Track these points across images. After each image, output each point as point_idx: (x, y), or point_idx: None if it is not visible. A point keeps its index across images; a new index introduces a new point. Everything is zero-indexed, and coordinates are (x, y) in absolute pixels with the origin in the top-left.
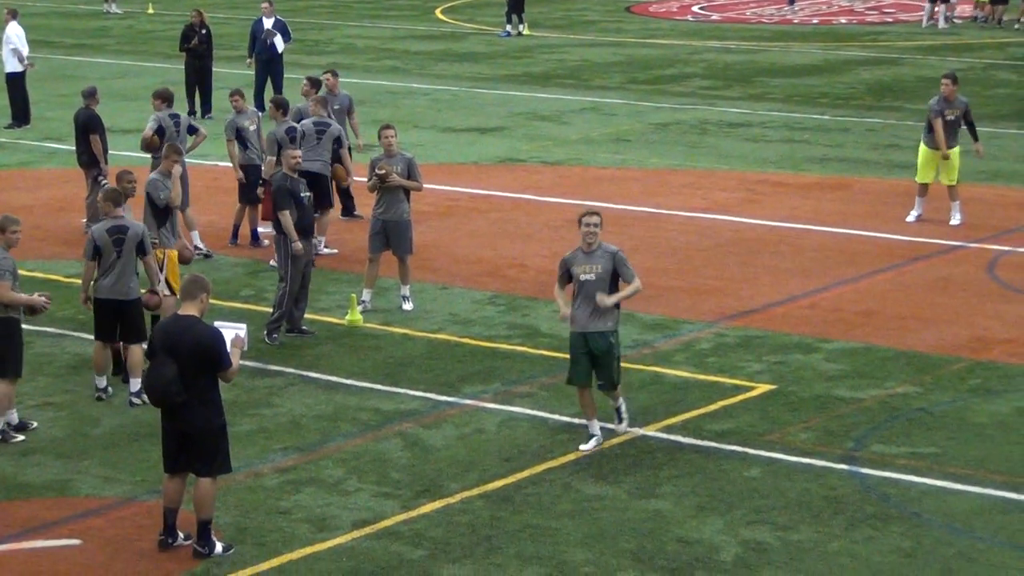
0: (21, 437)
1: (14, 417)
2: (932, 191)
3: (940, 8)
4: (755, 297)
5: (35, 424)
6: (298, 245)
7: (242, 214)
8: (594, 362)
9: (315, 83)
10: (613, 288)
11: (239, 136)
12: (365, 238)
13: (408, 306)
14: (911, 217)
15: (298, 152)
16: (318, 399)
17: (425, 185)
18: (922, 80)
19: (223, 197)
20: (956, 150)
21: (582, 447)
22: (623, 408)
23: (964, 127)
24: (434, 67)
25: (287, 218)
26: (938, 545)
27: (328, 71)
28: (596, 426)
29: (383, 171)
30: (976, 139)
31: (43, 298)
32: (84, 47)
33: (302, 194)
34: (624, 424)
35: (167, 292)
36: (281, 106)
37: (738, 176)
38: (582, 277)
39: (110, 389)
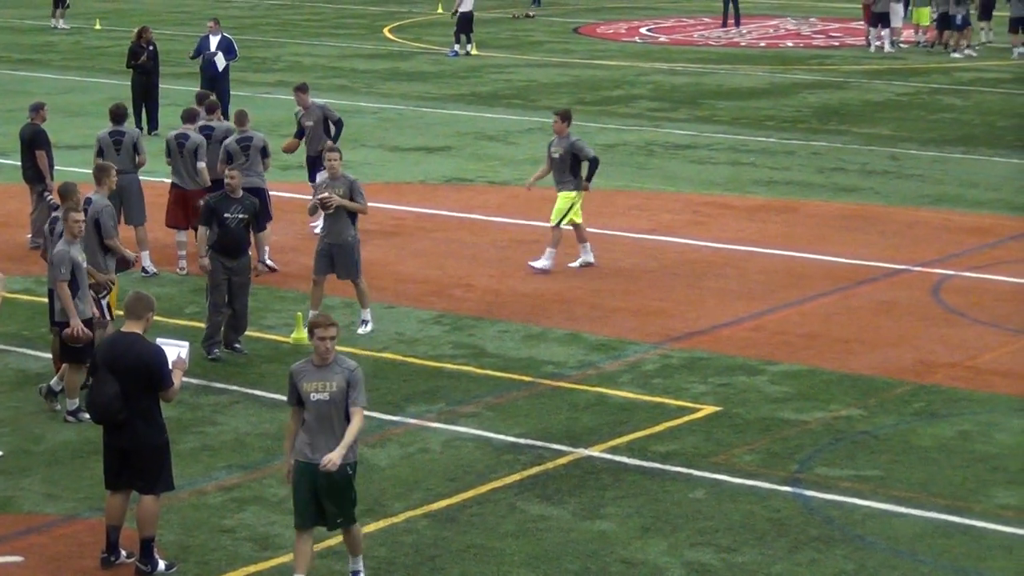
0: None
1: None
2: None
3: (884, 32)
4: (701, 319)
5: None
6: (204, 261)
7: None
8: (324, 496)
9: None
10: (347, 410)
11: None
12: (312, 257)
13: (364, 329)
14: (538, 264)
15: (234, 173)
16: (262, 417)
17: (371, 204)
18: (868, 104)
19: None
20: (564, 194)
21: None
22: (362, 573)
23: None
24: (381, 86)
25: (200, 234)
26: (881, 568)
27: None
28: None
29: (324, 196)
30: (588, 179)
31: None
32: (30, 62)
33: (227, 215)
34: None
35: (108, 317)
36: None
37: (684, 198)
38: (313, 396)
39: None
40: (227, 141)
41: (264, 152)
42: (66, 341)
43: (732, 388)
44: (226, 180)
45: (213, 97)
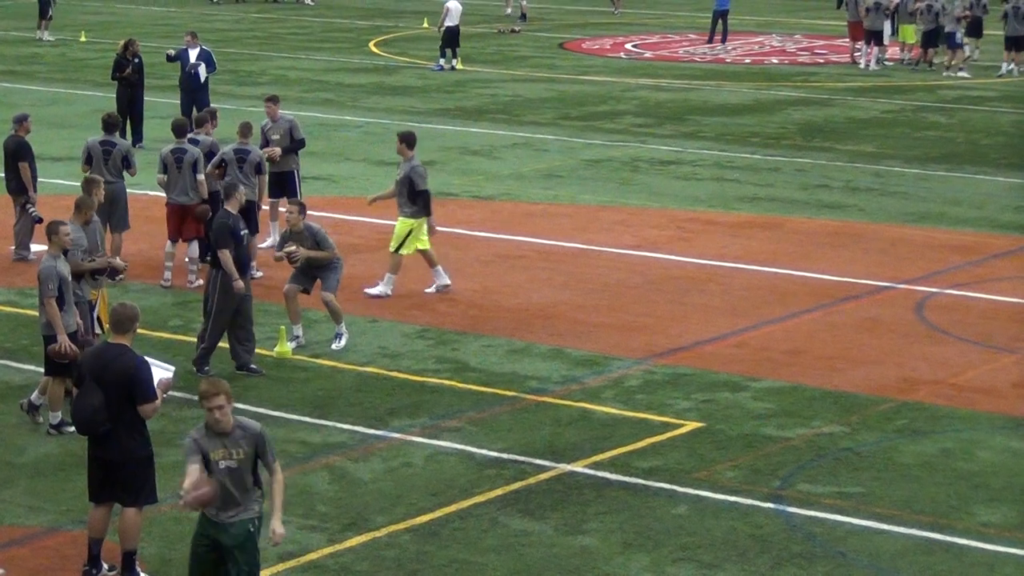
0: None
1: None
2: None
3: (873, 50)
4: (684, 335)
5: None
6: (239, 283)
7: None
8: (228, 555)
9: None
10: (255, 471)
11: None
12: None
13: (338, 344)
14: (374, 290)
15: (243, 190)
16: None
17: (355, 218)
18: (853, 121)
19: (153, 226)
20: (402, 220)
21: None
22: None
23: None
24: (367, 100)
25: (227, 257)
26: None
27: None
28: None
29: (290, 250)
30: (427, 212)
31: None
32: (15, 74)
33: (241, 231)
34: None
35: (98, 331)
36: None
37: (669, 214)
38: (222, 464)
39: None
40: (225, 150)
41: (259, 169)
42: (51, 356)
43: (715, 404)
44: (238, 196)
45: (202, 112)
